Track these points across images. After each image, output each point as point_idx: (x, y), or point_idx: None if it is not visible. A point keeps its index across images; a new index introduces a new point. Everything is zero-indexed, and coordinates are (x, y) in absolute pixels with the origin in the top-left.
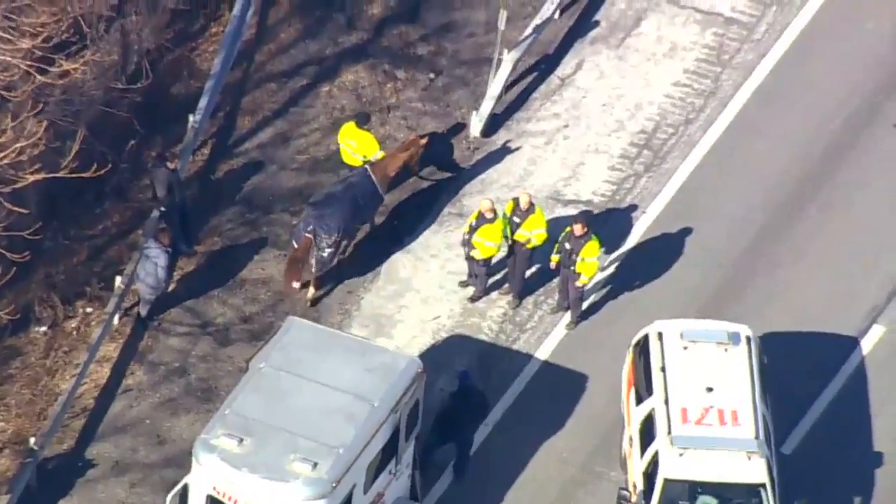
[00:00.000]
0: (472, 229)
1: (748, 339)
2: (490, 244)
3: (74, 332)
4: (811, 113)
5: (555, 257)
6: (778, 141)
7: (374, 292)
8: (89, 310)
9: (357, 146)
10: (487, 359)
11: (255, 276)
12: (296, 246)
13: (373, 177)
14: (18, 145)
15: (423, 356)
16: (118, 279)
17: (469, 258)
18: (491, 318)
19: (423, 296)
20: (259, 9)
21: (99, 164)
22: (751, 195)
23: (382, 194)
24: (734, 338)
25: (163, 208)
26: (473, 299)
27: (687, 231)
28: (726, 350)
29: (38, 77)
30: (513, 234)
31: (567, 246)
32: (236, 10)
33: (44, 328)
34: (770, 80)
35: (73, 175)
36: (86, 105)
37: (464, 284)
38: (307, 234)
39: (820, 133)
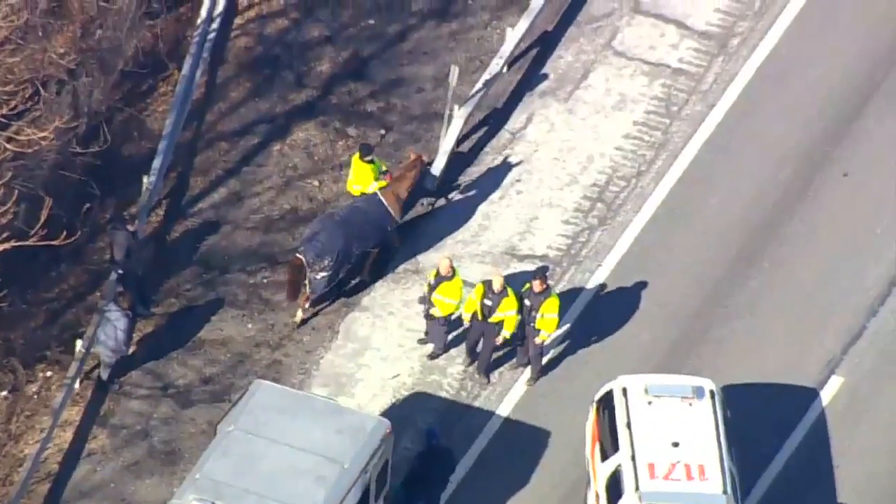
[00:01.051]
0: (431, 287)
1: (712, 392)
2: (449, 301)
3: (35, 396)
4: (761, 163)
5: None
6: (729, 192)
7: (333, 351)
8: (49, 374)
9: (353, 177)
10: (449, 416)
11: (213, 336)
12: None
13: (384, 201)
14: None
15: (385, 414)
16: (78, 343)
17: (428, 316)
18: (451, 376)
19: (382, 354)
20: (207, 68)
21: (57, 228)
22: (704, 248)
23: (397, 218)
24: (698, 392)
25: (120, 271)
26: (433, 357)
27: (642, 284)
28: (691, 404)
29: (8, 146)
30: (486, 317)
31: (527, 302)
32: (185, 69)
33: (4, 393)
34: (719, 130)
35: (43, 243)
36: (40, 168)
37: (423, 342)
38: (297, 255)
39: (771, 183)
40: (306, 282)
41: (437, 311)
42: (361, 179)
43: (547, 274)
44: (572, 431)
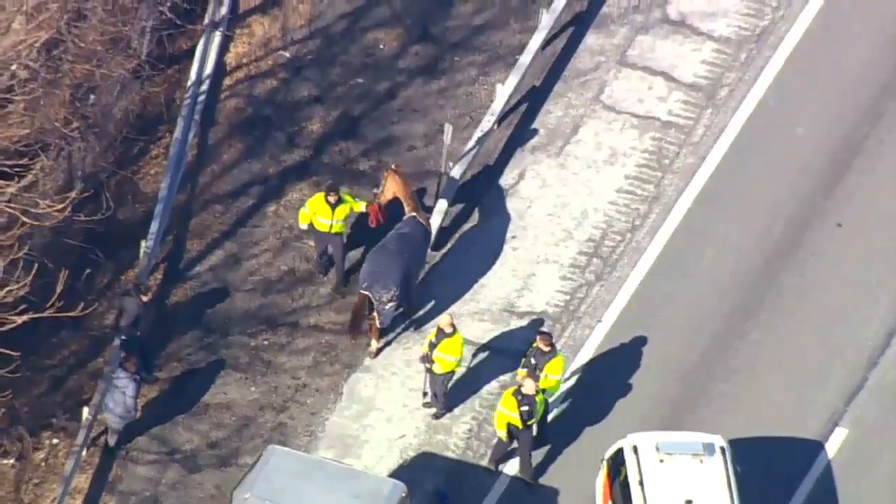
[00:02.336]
0: (433, 345)
1: (722, 449)
2: (450, 359)
3: (43, 464)
4: (754, 215)
5: (521, 371)
6: (724, 245)
7: (337, 413)
8: (56, 441)
9: (312, 210)
10: (457, 476)
11: (217, 400)
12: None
13: (421, 221)
14: (9, 288)
15: (393, 475)
16: (85, 410)
17: (430, 373)
18: (457, 435)
19: (387, 415)
20: (199, 130)
21: (61, 296)
22: (702, 302)
23: (433, 232)
24: (709, 448)
25: (124, 336)
26: (437, 417)
27: (642, 340)
28: (702, 461)
29: (24, 219)
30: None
31: (532, 361)
32: (178, 132)
33: (11, 460)
34: (711, 183)
35: (60, 314)
36: (41, 235)
37: (428, 405)
38: (362, 292)
39: (765, 235)
40: (374, 315)
41: (437, 369)
42: (312, 204)
43: (551, 333)
44: (580, 489)
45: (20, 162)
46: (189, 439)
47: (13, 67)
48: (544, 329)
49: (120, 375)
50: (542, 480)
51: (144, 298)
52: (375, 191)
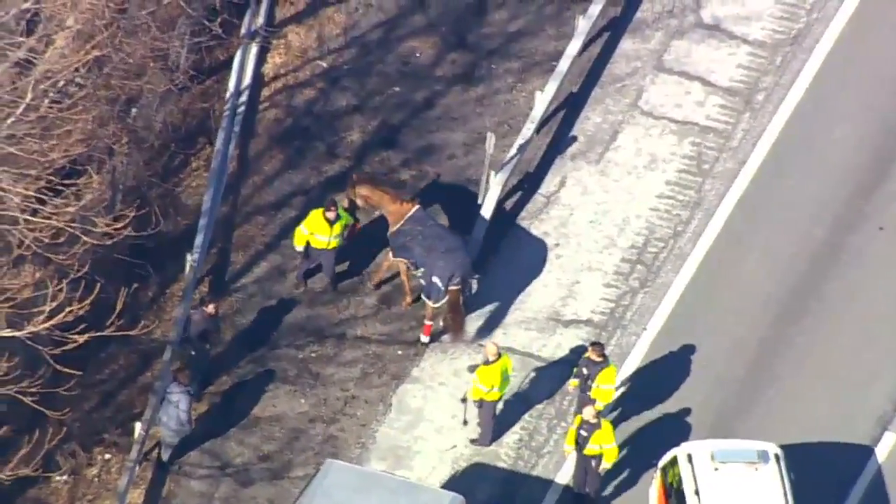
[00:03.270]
0: (471, 369)
1: (777, 456)
2: (480, 386)
3: (96, 480)
4: (796, 219)
5: (573, 381)
6: (767, 250)
7: (387, 424)
8: (108, 456)
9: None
10: (509, 486)
11: (267, 413)
12: (438, 304)
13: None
14: (72, 308)
15: (445, 487)
16: (137, 425)
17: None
18: (507, 445)
19: (436, 425)
20: (239, 141)
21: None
22: (746, 307)
23: None
24: (763, 456)
25: (193, 351)
26: (473, 441)
27: (689, 347)
28: (757, 469)
29: (85, 238)
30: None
31: (584, 371)
32: (219, 144)
33: (64, 477)
34: (752, 188)
35: (120, 333)
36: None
37: (473, 441)
38: (454, 287)
39: (807, 240)
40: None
41: (469, 393)
42: (308, 222)
43: (603, 343)
44: (633, 498)
45: (76, 180)
46: (240, 453)
47: (60, 83)
48: (596, 340)
49: (173, 389)
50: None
51: (209, 310)
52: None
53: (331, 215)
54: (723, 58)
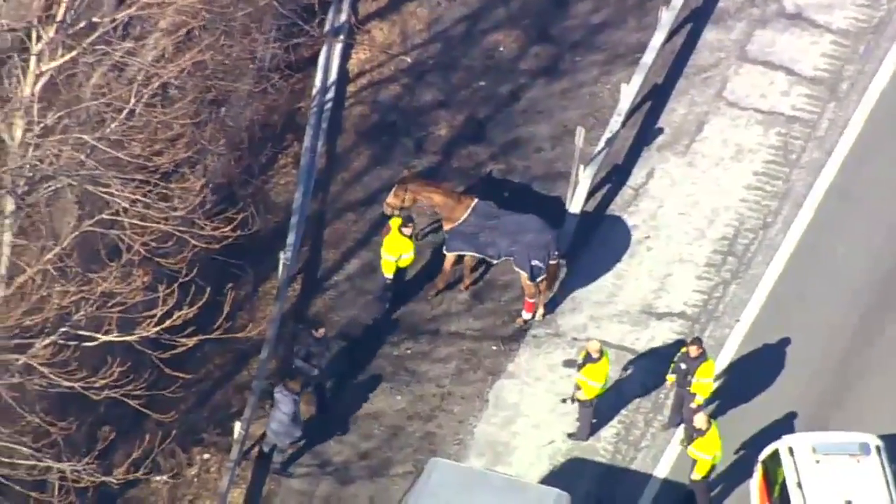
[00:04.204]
0: (578, 367)
1: (878, 448)
2: (593, 384)
3: (195, 480)
4: (885, 208)
5: (671, 377)
6: (857, 239)
7: (485, 420)
8: (206, 456)
9: (384, 244)
10: (608, 480)
11: (365, 411)
12: (539, 280)
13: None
14: (182, 312)
15: (544, 482)
16: (237, 425)
17: (572, 399)
18: (605, 439)
19: (533, 421)
20: (327, 138)
21: (205, 310)
22: (838, 298)
23: None
24: (865, 448)
25: (302, 374)
26: (571, 436)
27: (783, 338)
28: (858, 461)
29: (194, 242)
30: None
31: (682, 366)
32: (307, 141)
33: (165, 477)
34: (840, 177)
35: (227, 335)
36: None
37: (564, 401)
38: (554, 262)
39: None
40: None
41: (580, 394)
42: (390, 247)
43: (701, 339)
44: (731, 490)
45: (177, 183)
46: (339, 451)
47: (157, 85)
48: (696, 336)
49: (283, 392)
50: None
51: (318, 334)
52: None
53: (407, 231)
54: (806, 47)
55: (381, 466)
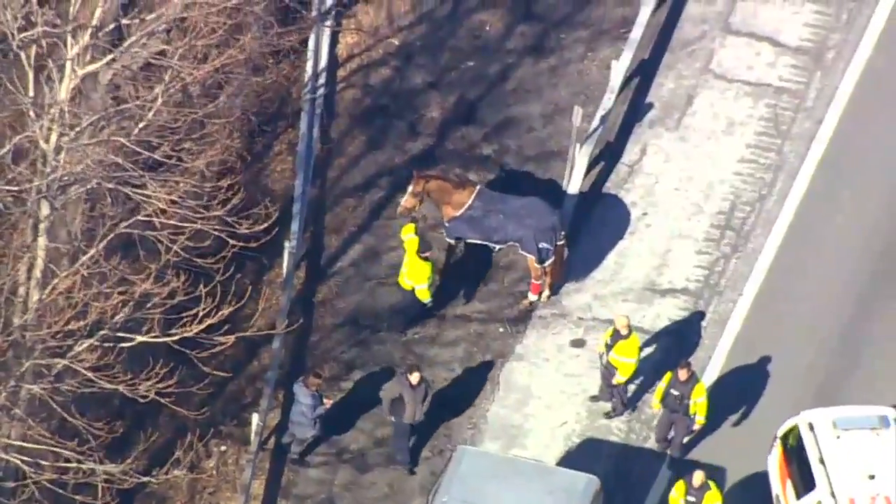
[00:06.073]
0: (608, 347)
1: None
2: (628, 361)
3: (214, 472)
4: (880, 176)
5: (656, 404)
6: (854, 209)
7: (497, 403)
8: (223, 448)
9: (407, 272)
10: (624, 461)
11: (377, 398)
12: (547, 264)
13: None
14: (222, 311)
15: (560, 464)
16: (255, 416)
17: (609, 385)
18: (618, 419)
19: (546, 402)
20: (321, 124)
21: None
22: (839, 269)
23: None
24: (884, 421)
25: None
26: (609, 416)
27: (787, 310)
28: (878, 434)
29: (234, 242)
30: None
31: (675, 392)
32: (303, 128)
33: (184, 471)
34: (832, 147)
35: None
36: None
37: (595, 399)
38: (561, 242)
39: (891, 197)
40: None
41: (619, 377)
42: (416, 275)
43: (690, 361)
44: (747, 466)
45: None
46: (355, 438)
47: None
48: (686, 361)
49: (299, 392)
50: (709, 459)
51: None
52: (410, 206)
53: (427, 255)
54: (788, 17)
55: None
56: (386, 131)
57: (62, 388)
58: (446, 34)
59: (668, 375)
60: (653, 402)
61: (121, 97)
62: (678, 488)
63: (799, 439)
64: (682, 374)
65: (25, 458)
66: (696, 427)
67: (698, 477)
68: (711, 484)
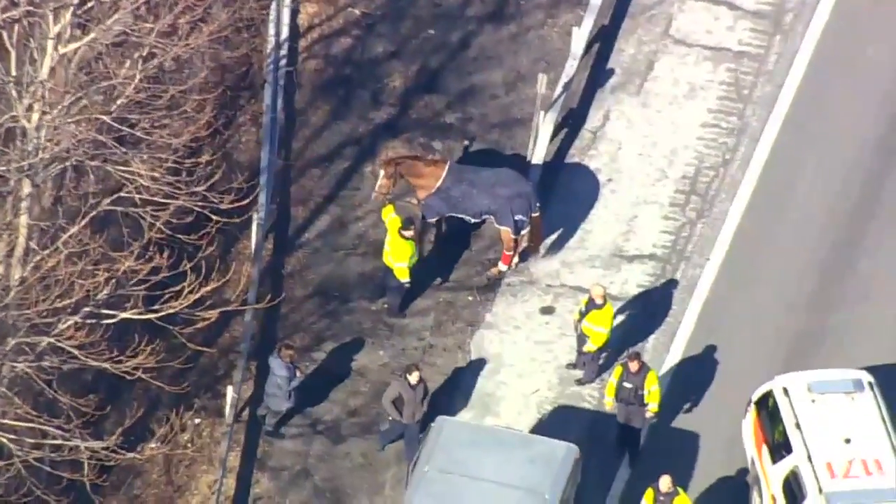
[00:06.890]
0: (582, 315)
1: (871, 384)
2: (600, 330)
3: (189, 445)
4: (843, 138)
5: (609, 402)
6: (818, 172)
7: (469, 371)
8: (197, 421)
9: (391, 250)
10: (597, 427)
11: (349, 368)
12: (524, 233)
13: None
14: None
15: (534, 431)
16: (230, 389)
17: (580, 352)
18: (590, 386)
19: (517, 370)
20: (284, 95)
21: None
22: (805, 232)
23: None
24: (858, 385)
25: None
26: (581, 383)
27: (754, 276)
28: (853, 399)
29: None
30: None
31: (628, 385)
32: (267, 99)
33: (159, 444)
34: (794, 110)
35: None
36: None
37: (571, 367)
38: (536, 214)
39: (855, 161)
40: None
41: (589, 345)
42: (398, 254)
43: (639, 352)
44: (720, 431)
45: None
46: (329, 409)
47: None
48: (633, 351)
49: (275, 363)
50: (681, 425)
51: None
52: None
53: (409, 233)
54: None
55: (372, 423)
56: (349, 101)
57: (44, 365)
58: (406, 2)
59: (618, 370)
60: (605, 401)
61: (93, 74)
62: (647, 497)
63: (774, 404)
64: (633, 366)
65: (11, 437)
66: (650, 415)
67: (665, 482)
68: (680, 489)
